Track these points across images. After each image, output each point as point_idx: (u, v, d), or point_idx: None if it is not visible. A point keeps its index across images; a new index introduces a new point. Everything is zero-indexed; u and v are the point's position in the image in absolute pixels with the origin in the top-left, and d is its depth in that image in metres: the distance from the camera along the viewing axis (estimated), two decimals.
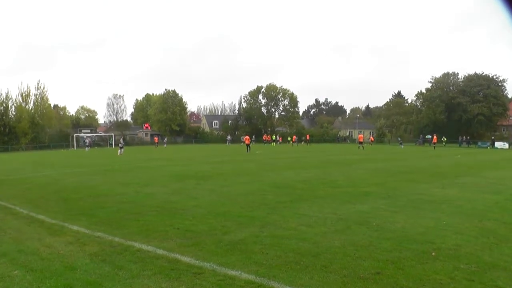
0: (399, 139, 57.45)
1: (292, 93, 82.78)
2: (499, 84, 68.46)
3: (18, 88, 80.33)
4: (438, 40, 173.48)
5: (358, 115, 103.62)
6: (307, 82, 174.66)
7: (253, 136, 68.76)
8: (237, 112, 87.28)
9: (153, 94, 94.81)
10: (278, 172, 17.09)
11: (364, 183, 13.11)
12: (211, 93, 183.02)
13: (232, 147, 50.73)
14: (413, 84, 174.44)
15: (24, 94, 61.51)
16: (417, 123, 72.61)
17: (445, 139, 56.02)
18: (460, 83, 71.63)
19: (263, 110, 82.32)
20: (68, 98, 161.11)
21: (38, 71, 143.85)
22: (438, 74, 76.26)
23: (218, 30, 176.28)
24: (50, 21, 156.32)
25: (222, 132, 79.44)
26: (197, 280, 4.48)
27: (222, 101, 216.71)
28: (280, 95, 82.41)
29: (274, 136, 63.91)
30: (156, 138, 60.05)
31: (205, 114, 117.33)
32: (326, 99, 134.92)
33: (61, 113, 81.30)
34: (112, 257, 5.34)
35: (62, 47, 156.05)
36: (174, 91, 78.88)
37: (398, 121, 77.69)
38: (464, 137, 58.54)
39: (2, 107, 57.30)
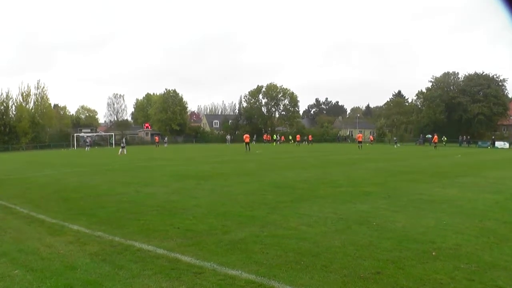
0: (394, 138, 57.47)
1: (293, 93, 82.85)
2: (500, 83, 68.49)
3: (19, 88, 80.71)
4: (438, 39, 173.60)
5: (358, 115, 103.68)
6: (307, 82, 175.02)
7: (254, 136, 68.82)
8: (237, 111, 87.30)
9: (153, 93, 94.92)
10: (278, 172, 17.09)
11: (364, 183, 13.11)
12: (211, 93, 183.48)
13: (232, 147, 50.73)
14: (414, 84, 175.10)
15: (24, 94, 61.58)
16: (418, 122, 72.63)
17: (445, 138, 56.01)
18: (461, 83, 71.64)
19: (264, 109, 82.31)
20: (69, 98, 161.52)
21: (38, 71, 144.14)
22: (438, 74, 76.25)
23: (219, 30, 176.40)
24: (51, 21, 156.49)
25: (222, 132, 79.45)
26: (198, 280, 4.48)
27: (223, 101, 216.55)
28: (281, 95, 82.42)
29: (275, 136, 63.85)
30: (156, 138, 60.07)
31: (205, 113, 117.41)
32: (327, 98, 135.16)
33: (62, 112, 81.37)
34: (112, 257, 5.34)
35: (63, 47, 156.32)
36: (174, 91, 78.93)
37: (398, 121, 77.69)
38: (464, 136, 58.52)
39: (2, 107, 57.35)
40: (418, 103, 76.78)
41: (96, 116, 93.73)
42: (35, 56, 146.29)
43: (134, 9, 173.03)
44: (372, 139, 64.98)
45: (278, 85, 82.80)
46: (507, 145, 52.69)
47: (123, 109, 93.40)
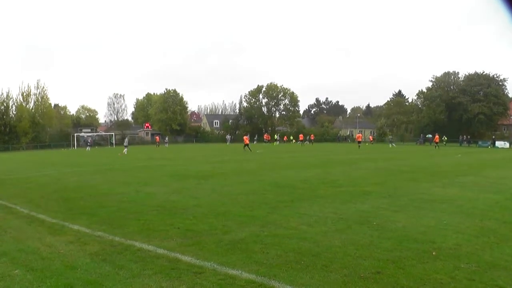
0: (390, 137, 57.49)
1: (293, 93, 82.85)
2: (500, 83, 68.43)
3: (19, 88, 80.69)
4: (439, 39, 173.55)
5: (358, 115, 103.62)
6: (307, 82, 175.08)
7: (256, 136, 68.84)
8: (237, 111, 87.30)
9: (153, 93, 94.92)
10: (278, 172, 17.08)
11: (364, 182, 13.10)
12: (211, 93, 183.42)
13: (232, 147, 50.71)
14: (414, 84, 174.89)
15: (24, 94, 61.63)
16: (418, 122, 72.61)
17: (445, 138, 55.97)
18: (461, 82, 71.63)
19: (264, 109, 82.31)
20: (69, 98, 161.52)
21: (39, 71, 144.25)
22: (439, 74, 76.30)
23: (219, 30, 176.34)
24: (51, 21, 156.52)
25: (222, 132, 79.47)
26: (198, 280, 4.48)
27: (223, 101, 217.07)
28: (281, 95, 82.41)
29: (276, 136, 63.80)
30: (157, 138, 60.16)
31: (205, 113, 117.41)
32: (327, 98, 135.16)
33: (62, 112, 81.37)
34: (112, 257, 5.34)
35: (63, 47, 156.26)
36: (174, 91, 78.96)
37: (399, 121, 77.67)
38: (464, 136, 58.47)
39: (2, 107, 57.44)
40: (418, 102, 76.77)
41: (96, 116, 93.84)
42: (35, 56, 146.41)
43: (134, 9, 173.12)
44: (371, 139, 64.96)
45: (279, 85, 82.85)
46: (507, 144, 52.62)
47: (124, 109, 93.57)
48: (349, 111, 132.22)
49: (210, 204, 9.34)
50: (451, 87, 72.55)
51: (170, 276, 4.60)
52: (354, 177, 14.64)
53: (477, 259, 5.15)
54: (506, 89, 68.92)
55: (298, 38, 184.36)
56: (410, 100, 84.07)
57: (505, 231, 6.67)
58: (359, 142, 45.92)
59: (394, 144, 51.07)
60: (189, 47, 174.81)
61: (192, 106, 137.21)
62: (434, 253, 5.38)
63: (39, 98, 63.33)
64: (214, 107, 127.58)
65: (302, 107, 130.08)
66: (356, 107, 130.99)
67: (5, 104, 57.72)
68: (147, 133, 77.82)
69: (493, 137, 57.44)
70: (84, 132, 65.84)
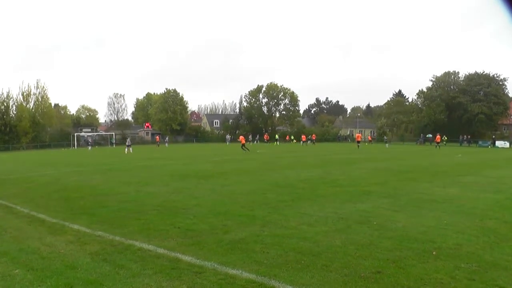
0: (385, 137, 57.50)
1: (293, 92, 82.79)
2: (500, 83, 68.40)
3: (19, 87, 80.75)
4: (439, 39, 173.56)
5: (358, 114, 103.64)
6: (308, 81, 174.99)
7: (257, 136, 68.82)
8: (238, 111, 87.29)
9: (154, 93, 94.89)
10: (279, 171, 17.08)
11: (365, 182, 13.10)
12: (212, 92, 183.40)
13: (232, 146, 50.70)
14: (414, 83, 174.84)
15: (24, 93, 61.66)
16: (418, 122, 72.56)
17: (445, 138, 55.96)
18: (461, 82, 71.61)
19: (264, 109, 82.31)
20: (69, 97, 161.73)
21: (39, 71, 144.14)
22: (439, 73, 76.29)
23: (219, 30, 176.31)
24: (52, 21, 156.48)
25: (222, 132, 79.48)
26: (198, 279, 4.48)
27: (223, 100, 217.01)
28: (281, 94, 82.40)
29: (276, 135, 63.77)
30: (157, 137, 60.18)
31: (206, 113, 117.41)
32: (327, 98, 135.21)
33: (62, 112, 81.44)
34: (112, 256, 5.34)
35: (63, 47, 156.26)
36: (175, 90, 78.94)
37: (399, 120, 77.59)
38: (464, 136, 58.44)
39: (3, 106, 57.47)
40: (418, 102, 76.73)
41: (97, 116, 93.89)
42: (36, 55, 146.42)
43: (136, 9, 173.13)
44: (370, 138, 64.95)
45: (279, 85, 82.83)
46: (507, 144, 52.58)
47: (124, 109, 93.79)
48: (349, 111, 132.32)
49: (210, 203, 9.34)
50: (451, 87, 72.54)
51: (171, 275, 4.60)
52: (354, 177, 14.63)
53: (478, 258, 5.15)
54: (506, 88, 68.96)
55: (298, 38, 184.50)
56: (410, 100, 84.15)
57: (505, 230, 6.67)
58: (358, 142, 45.89)
59: (388, 144, 51.14)
60: (189, 47, 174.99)
61: (192, 106, 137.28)
62: (434, 252, 5.38)
63: (39, 98, 63.41)
64: (214, 107, 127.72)
65: (302, 107, 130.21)
66: (356, 106, 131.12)
67: (5, 104, 57.75)
68: (147, 133, 77.83)
69: (493, 136, 57.39)
70: (85, 132, 65.86)
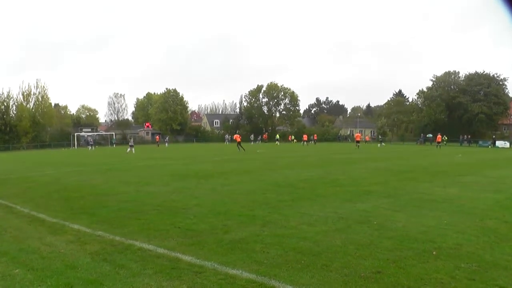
0: (380, 137, 57.60)
1: (293, 92, 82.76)
2: (500, 83, 68.37)
3: (19, 87, 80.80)
4: (439, 39, 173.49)
5: (359, 114, 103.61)
6: (308, 81, 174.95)
7: (259, 136, 68.83)
8: (238, 111, 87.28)
9: (154, 93, 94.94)
10: (279, 171, 17.08)
11: (365, 182, 13.10)
12: (212, 92, 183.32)
13: (232, 146, 50.66)
14: (414, 83, 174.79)
15: (25, 93, 61.69)
16: (418, 122, 72.53)
17: (445, 138, 55.95)
18: (461, 82, 71.58)
19: (264, 109, 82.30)
20: (69, 97, 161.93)
21: (39, 70, 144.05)
22: (439, 73, 76.26)
23: (220, 30, 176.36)
24: (52, 21, 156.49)
25: (223, 131, 79.52)
26: (198, 279, 4.48)
27: (223, 100, 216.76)
28: (281, 94, 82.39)
29: (277, 135, 63.74)
30: (157, 137, 60.19)
31: (206, 113, 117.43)
32: (327, 98, 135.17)
33: (62, 112, 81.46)
34: (113, 256, 5.34)
35: (64, 47, 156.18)
36: (175, 90, 78.96)
37: (399, 120, 77.54)
38: (465, 136, 58.44)
39: (3, 106, 57.51)
40: (418, 102, 76.74)
41: (97, 116, 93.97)
42: (36, 55, 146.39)
43: (135, 9, 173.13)
44: (368, 138, 64.95)
45: (279, 85, 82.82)
46: (507, 144, 52.54)
47: (124, 109, 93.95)
48: (349, 110, 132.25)
49: (210, 203, 9.34)
50: (452, 87, 72.51)
51: (171, 275, 4.60)
52: (354, 177, 14.63)
53: (478, 258, 5.15)
54: (507, 88, 68.93)
55: (299, 38, 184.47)
56: (410, 100, 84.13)
57: (505, 230, 6.67)
58: (357, 142, 45.86)
59: (383, 144, 51.27)
60: (189, 47, 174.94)
61: (192, 106, 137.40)
62: (434, 252, 5.38)
63: (40, 98, 63.43)
64: (214, 107, 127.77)
65: (303, 107, 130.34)
66: (357, 106, 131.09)
67: (5, 104, 57.79)
68: (147, 133, 77.86)
69: (494, 136, 57.36)
70: (85, 132, 65.89)
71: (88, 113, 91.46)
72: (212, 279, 4.48)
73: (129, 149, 36.43)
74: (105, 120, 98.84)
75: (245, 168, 19.09)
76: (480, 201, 9.53)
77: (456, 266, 4.86)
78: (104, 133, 74.09)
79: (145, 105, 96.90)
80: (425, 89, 74.37)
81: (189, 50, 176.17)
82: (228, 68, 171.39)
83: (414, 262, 5.02)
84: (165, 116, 75.93)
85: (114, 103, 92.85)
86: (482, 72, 69.35)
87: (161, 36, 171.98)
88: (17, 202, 9.84)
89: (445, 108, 68.93)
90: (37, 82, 66.89)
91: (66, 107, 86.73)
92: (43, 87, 64.55)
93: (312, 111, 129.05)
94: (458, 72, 73.32)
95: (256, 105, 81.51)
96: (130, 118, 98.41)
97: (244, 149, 35.62)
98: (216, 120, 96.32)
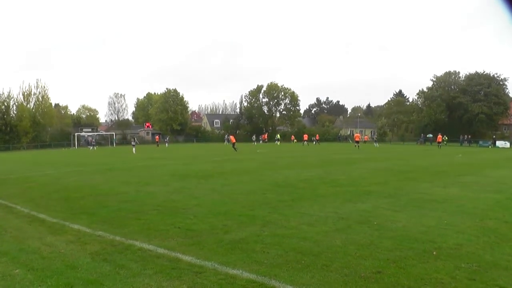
0: (374, 137, 57.78)
1: (293, 92, 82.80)
2: (500, 83, 68.31)
3: (20, 87, 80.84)
4: (439, 39, 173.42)
5: (359, 114, 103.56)
6: (308, 81, 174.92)
7: (261, 136, 68.85)
8: (238, 111, 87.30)
9: (154, 93, 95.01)
10: (279, 171, 17.08)
11: (365, 182, 13.09)
12: (212, 92, 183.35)
13: (230, 146, 50.61)
14: (415, 83, 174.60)
15: (25, 93, 61.74)
16: (418, 122, 72.51)
17: (446, 138, 55.95)
18: (461, 82, 71.53)
19: (264, 109, 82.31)
20: (70, 97, 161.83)
21: (40, 70, 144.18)
22: (439, 73, 76.24)
23: (220, 30, 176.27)
24: (53, 21, 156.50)
25: (223, 131, 79.56)
26: (198, 279, 4.48)
27: (224, 100, 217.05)
28: (282, 94, 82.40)
29: (278, 135, 63.70)
30: (157, 137, 60.20)
31: (206, 113, 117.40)
32: (327, 98, 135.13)
33: (62, 112, 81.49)
34: (113, 256, 5.34)
35: (64, 46, 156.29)
36: (175, 90, 78.99)
37: (399, 120, 77.55)
38: (465, 136, 58.43)
39: (3, 106, 57.55)
40: (419, 102, 76.70)
41: (97, 116, 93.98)
42: (36, 55, 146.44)
43: (136, 9, 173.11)
44: (366, 138, 64.98)
45: (279, 85, 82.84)
46: (508, 144, 52.54)
47: (124, 109, 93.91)
48: (349, 110, 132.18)
49: (210, 203, 9.34)
50: (452, 87, 72.46)
51: (171, 275, 4.60)
52: (354, 177, 14.63)
53: (478, 258, 5.14)
54: (507, 88, 68.79)
55: (299, 38, 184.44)
56: (410, 100, 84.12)
57: (505, 230, 6.66)
58: (357, 142, 45.84)
59: (377, 144, 51.39)
60: (189, 47, 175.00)
61: (192, 106, 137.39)
62: (434, 252, 5.38)
63: (40, 98, 63.52)
64: (214, 107, 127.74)
65: (303, 107, 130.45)
66: (357, 106, 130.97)
67: (5, 104, 57.83)
68: (147, 133, 77.88)
69: (494, 136, 57.38)
70: (85, 132, 65.93)
71: (88, 113, 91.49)
72: (212, 279, 4.48)
73: (134, 149, 36.52)
74: (105, 120, 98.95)
75: (245, 168, 19.09)
76: (480, 201, 9.52)
77: (456, 266, 4.86)
78: (105, 133, 74.11)
79: (145, 105, 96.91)
80: (425, 89, 74.34)
81: (190, 50, 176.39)
82: (228, 68, 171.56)
83: (414, 262, 5.02)
84: (165, 116, 75.94)
85: (114, 103, 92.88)
86: (482, 72, 69.31)
87: (162, 36, 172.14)
88: (17, 202, 9.85)
89: (446, 108, 68.88)
90: (37, 82, 67.05)
91: (66, 107, 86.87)
92: (44, 87, 64.74)
93: (313, 111, 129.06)
94: (459, 72, 73.32)
95: (256, 105, 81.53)
96: (130, 118, 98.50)
97: (235, 150, 35.58)
98: (217, 120, 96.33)
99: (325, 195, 10.42)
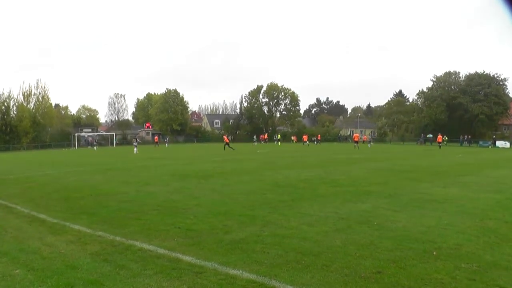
0: (370, 137, 57.86)
1: (293, 92, 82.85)
2: (500, 83, 68.33)
3: (20, 87, 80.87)
4: (439, 39, 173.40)
5: (359, 114, 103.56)
6: (308, 81, 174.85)
7: (260, 137, 68.88)
8: (238, 111, 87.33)
9: (154, 93, 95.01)
10: (279, 171, 17.08)
11: (365, 182, 13.09)
12: (212, 92, 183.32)
13: (231, 146, 50.64)
14: (415, 83, 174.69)
15: (25, 94, 61.74)
16: (418, 122, 72.54)
17: (446, 138, 55.94)
18: (461, 82, 71.55)
19: (265, 109, 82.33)
20: (70, 98, 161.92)
21: (40, 71, 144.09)
22: (439, 73, 76.26)
23: (220, 30, 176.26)
24: (53, 21, 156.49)
25: (223, 132, 79.61)
26: (198, 279, 4.48)
27: (224, 100, 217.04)
28: (282, 94, 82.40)
29: (279, 136, 63.70)
30: (156, 138, 60.22)
31: (206, 113, 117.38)
32: (328, 98, 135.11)
33: (63, 112, 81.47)
34: (113, 256, 5.34)
35: (64, 47, 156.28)
36: (175, 91, 79.02)
37: (399, 120, 77.56)
38: (465, 136, 58.44)
39: (3, 107, 57.58)
40: (419, 102, 76.72)
41: (97, 116, 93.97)
42: (36, 56, 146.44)
43: (136, 10, 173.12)
44: (365, 138, 65.05)
45: (279, 85, 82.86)
46: (508, 144, 52.55)
47: (124, 109, 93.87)
48: (349, 111, 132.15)
49: (210, 203, 9.34)
50: (452, 87, 72.47)
51: (171, 276, 4.60)
52: (354, 177, 14.63)
53: (478, 259, 5.14)
54: (507, 88, 68.89)
55: (299, 38, 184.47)
56: (410, 100, 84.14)
57: (506, 231, 6.66)
58: (356, 142, 45.83)
59: (372, 144, 51.45)
60: (189, 47, 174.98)
61: (192, 106, 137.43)
62: (434, 253, 5.38)
63: (40, 98, 63.52)
64: (214, 107, 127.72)
65: (303, 107, 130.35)
66: (357, 107, 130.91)
67: (6, 104, 57.86)
68: (147, 133, 77.91)
69: (494, 137, 57.41)
70: (85, 132, 65.93)
71: (88, 113, 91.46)
72: (213, 279, 4.48)
73: (135, 150, 36.60)
74: (106, 121, 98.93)
75: (245, 168, 19.10)
76: (480, 201, 9.52)
77: (456, 266, 4.86)
78: (105, 133, 74.11)
79: (145, 106, 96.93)
80: (425, 89, 74.38)
81: (190, 50, 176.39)
82: (228, 68, 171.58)
83: (415, 262, 5.02)
84: (165, 117, 75.96)
85: (114, 103, 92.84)
86: (482, 72, 69.32)
87: (162, 36, 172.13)
88: (17, 202, 9.84)
89: (446, 108, 68.87)
90: (37, 83, 67.06)
91: (66, 107, 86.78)
92: (44, 87, 64.81)
93: (313, 111, 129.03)
94: (459, 72, 73.38)
95: (256, 105, 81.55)
96: (130, 118, 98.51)
97: (229, 149, 35.57)
98: (217, 121, 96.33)
99: (325, 195, 10.42)
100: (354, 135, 52.32)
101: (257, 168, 19.19)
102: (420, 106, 75.33)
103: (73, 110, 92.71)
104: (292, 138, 67.89)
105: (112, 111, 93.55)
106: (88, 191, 11.70)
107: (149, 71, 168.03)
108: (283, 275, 4.58)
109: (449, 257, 5.19)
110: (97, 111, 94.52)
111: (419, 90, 76.32)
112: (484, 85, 66.82)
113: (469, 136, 58.71)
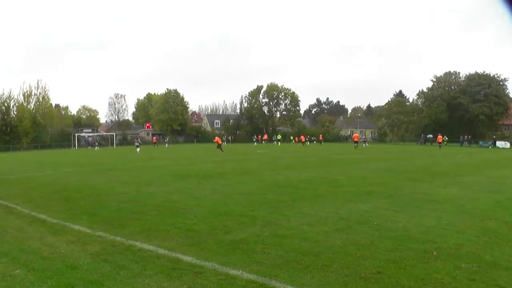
0: (365, 138, 58.08)
1: (293, 93, 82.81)
2: (500, 83, 68.28)
3: (20, 88, 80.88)
4: (440, 39, 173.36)
5: (359, 115, 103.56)
6: (308, 82, 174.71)
7: (259, 137, 68.89)
8: (238, 111, 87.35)
9: (154, 93, 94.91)
10: (279, 171, 17.08)
11: (365, 182, 13.10)
12: (212, 93, 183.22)
13: (231, 146, 50.73)
14: (415, 84, 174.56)
15: (25, 94, 61.78)
16: (419, 122, 72.50)
17: (446, 138, 55.93)
18: (462, 82, 71.50)
19: (265, 109, 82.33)
20: (70, 98, 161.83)
21: (40, 71, 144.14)
22: (440, 73, 76.21)
23: (221, 30, 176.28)
24: (53, 22, 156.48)
25: (223, 132, 79.63)
26: (199, 280, 4.48)
27: (224, 101, 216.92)
28: (282, 95, 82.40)
29: (279, 136, 63.70)
30: (154, 138, 60.21)
31: (206, 113, 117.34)
32: (328, 98, 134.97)
33: (63, 112, 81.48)
34: (113, 257, 5.34)
35: (64, 47, 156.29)
36: (175, 91, 78.98)
37: (399, 121, 77.52)
38: (465, 136, 58.42)
39: (4, 107, 57.58)
40: (419, 102, 76.67)
41: (97, 116, 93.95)
42: (36, 56, 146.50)
43: (136, 10, 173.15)
44: (365, 138, 65.11)
45: (279, 85, 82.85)
46: (508, 144, 52.49)
47: (124, 109, 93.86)
48: (350, 111, 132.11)
49: (211, 204, 9.35)
50: (452, 87, 72.43)
51: (171, 276, 4.60)
52: (354, 177, 14.63)
53: (478, 259, 5.15)
54: (507, 89, 68.72)
55: (299, 38, 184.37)
56: (411, 100, 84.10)
57: (506, 231, 6.67)
58: (356, 142, 45.83)
59: (367, 144, 51.52)
60: (190, 47, 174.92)
61: (193, 106, 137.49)
62: (434, 253, 5.38)
63: (40, 98, 63.57)
64: (215, 107, 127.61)
65: (303, 107, 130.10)
66: (357, 107, 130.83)
67: (6, 104, 57.86)
68: (148, 133, 77.92)
69: (494, 137, 57.37)
70: (85, 132, 65.95)
71: (88, 114, 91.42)
72: (213, 279, 4.48)
73: (138, 150, 36.60)
74: (106, 121, 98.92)
75: (245, 168, 19.10)
76: (480, 201, 9.53)
77: (456, 266, 4.86)
78: (105, 133, 74.13)
79: (145, 106, 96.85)
80: (425, 90, 74.32)
81: (190, 50, 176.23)
82: (228, 68, 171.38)
83: (415, 262, 5.02)
84: (165, 117, 75.94)
85: (114, 104, 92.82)
86: (482, 72, 69.23)
87: (162, 36, 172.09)
88: (17, 203, 9.85)
89: (446, 109, 68.81)
90: (37, 83, 67.15)
91: (66, 107, 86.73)
92: (44, 87, 64.92)
93: (313, 112, 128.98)
94: (459, 73, 73.26)
95: (256, 105, 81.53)
96: (130, 118, 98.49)
97: (222, 151, 35.36)
98: (217, 121, 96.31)
99: (325, 195, 10.42)
100: (354, 135, 52.35)
101: (257, 168, 19.20)
102: (420, 106, 75.27)
103: (73, 110, 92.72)
104: (292, 138, 67.87)
105: (112, 112, 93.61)
106: (88, 191, 11.70)
107: (149, 71, 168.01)
108: (283, 275, 4.58)
109: (449, 257, 5.20)
110: (97, 112, 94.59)
111: (419, 90, 76.34)
112: (484, 85, 66.76)
113: (469, 136, 58.69)
